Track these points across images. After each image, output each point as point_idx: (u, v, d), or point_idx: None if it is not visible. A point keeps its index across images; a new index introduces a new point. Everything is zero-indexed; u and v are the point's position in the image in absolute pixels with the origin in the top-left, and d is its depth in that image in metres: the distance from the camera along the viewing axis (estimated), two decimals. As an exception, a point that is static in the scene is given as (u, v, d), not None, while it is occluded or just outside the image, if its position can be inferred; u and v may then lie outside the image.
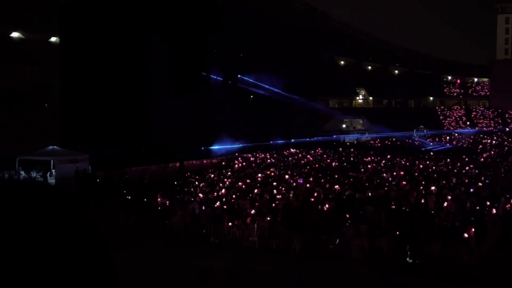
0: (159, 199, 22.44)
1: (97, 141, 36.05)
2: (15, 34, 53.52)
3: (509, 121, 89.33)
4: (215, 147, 48.03)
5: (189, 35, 45.54)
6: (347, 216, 19.11)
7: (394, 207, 21.03)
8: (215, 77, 53.07)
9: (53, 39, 52.00)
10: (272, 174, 33.05)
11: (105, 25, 41.34)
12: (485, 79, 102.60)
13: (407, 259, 15.52)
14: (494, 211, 20.18)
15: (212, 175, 32.52)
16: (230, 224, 19.02)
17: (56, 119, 42.68)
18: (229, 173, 33.98)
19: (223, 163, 40.07)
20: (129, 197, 23.62)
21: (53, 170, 30.23)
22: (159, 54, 42.58)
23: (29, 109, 44.74)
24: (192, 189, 26.27)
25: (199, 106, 47.41)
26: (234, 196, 23.86)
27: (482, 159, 43.36)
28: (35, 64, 47.28)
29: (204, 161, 41.62)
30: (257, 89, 61.07)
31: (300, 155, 48.42)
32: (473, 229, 17.08)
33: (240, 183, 28.41)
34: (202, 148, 46.02)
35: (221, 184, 28.09)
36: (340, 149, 54.07)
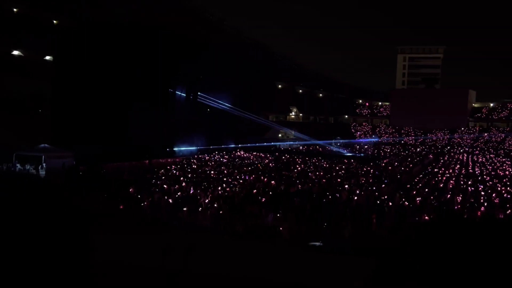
0: (131, 190, 21.92)
1: (81, 141, 35.33)
2: (16, 52, 52.40)
3: (404, 135, 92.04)
4: (177, 149, 47.58)
5: (162, 63, 45.36)
6: (280, 205, 19.19)
7: (316, 199, 21.27)
8: (180, 93, 52.81)
9: (47, 57, 51.42)
10: (224, 171, 32.94)
11: (92, 49, 40.73)
12: (387, 103, 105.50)
13: (320, 242, 15.66)
14: (390, 203, 20.69)
15: (175, 171, 32.12)
16: (188, 210, 18.84)
17: (47, 122, 42.34)
18: (189, 169, 33.65)
19: (184, 161, 39.70)
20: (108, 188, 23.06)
21: (44, 164, 29.71)
22: (138, 76, 42.24)
23: (25, 113, 44.39)
24: (158, 182, 25.83)
25: (166, 115, 47.00)
26: (192, 188, 23.57)
27: (383, 164, 44.47)
28: (31, 77, 47.21)
29: (169, 160, 41.10)
30: (213, 104, 60.97)
31: (246, 156, 48.58)
32: (374, 217, 17.56)
33: (197, 178, 28.24)
34: (167, 149, 45.46)
35: (182, 178, 27.77)
36: (276, 153, 54.46)
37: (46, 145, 31.70)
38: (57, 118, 42.04)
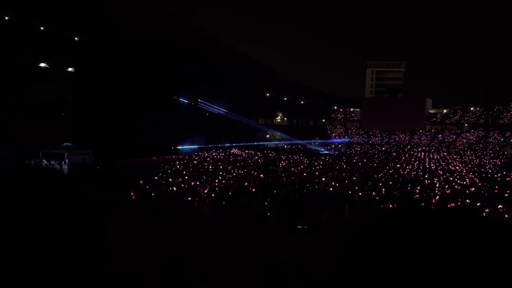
0: (141, 182, 21.75)
1: (98, 141, 34.95)
2: (42, 64, 51.75)
3: (372, 136, 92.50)
4: (181, 147, 47.37)
5: (168, 74, 45.27)
6: (268, 195, 19.18)
7: (298, 190, 21.28)
8: (183, 100, 52.67)
9: (69, 69, 50.96)
10: (220, 166, 32.82)
11: (108, 62, 40.40)
12: (357, 109, 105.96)
13: (303, 225, 15.69)
14: (360, 194, 20.77)
15: (178, 166, 31.94)
16: (190, 199, 18.73)
17: (70, 124, 41.89)
18: (190, 165, 33.49)
19: (186, 158, 39.53)
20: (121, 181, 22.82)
21: (66, 160, 29.32)
22: (147, 85, 42.04)
23: (51, 117, 43.86)
24: (164, 175, 25.67)
25: (171, 119, 46.86)
26: (193, 180, 23.47)
27: (354, 160, 44.64)
28: (56, 85, 46.64)
29: (173, 157, 40.87)
30: (211, 109, 60.92)
31: (239, 154, 48.48)
32: (347, 205, 17.60)
33: (197, 172, 28.11)
34: (172, 147, 45.23)
35: (184, 172, 27.63)
36: (265, 151, 54.46)
37: (68, 143, 31.31)
38: (77, 121, 41.62)
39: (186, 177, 24.81)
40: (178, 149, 46.32)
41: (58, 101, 47.11)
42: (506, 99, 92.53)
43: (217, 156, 43.51)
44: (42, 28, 52.02)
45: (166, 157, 39.44)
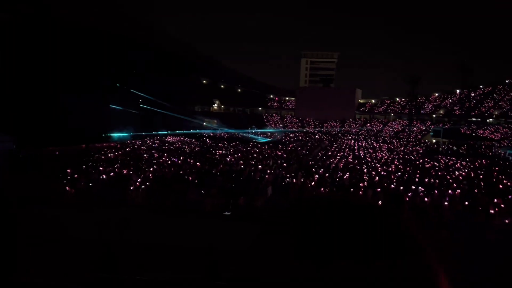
0: (68, 171, 20.61)
1: (21, 127, 32.20)
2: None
3: (306, 124, 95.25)
4: (112, 134, 45.42)
5: (97, 57, 43.01)
6: (205, 183, 19.09)
7: (235, 177, 21.42)
8: (115, 85, 50.45)
9: None
10: (155, 154, 32.01)
11: (32, 42, 37.35)
12: (293, 98, 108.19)
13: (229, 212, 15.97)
14: (294, 180, 21.37)
15: (110, 154, 30.66)
16: (122, 188, 18.11)
17: None
18: (122, 152, 32.30)
19: (118, 146, 38.08)
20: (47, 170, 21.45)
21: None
22: (75, 68, 39.53)
23: None
24: (94, 164, 24.52)
25: (102, 104, 44.74)
26: (125, 169, 22.68)
27: (289, 148, 45.68)
28: None
29: (104, 144, 39.11)
30: (146, 95, 59.02)
31: (175, 141, 47.60)
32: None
33: (130, 160, 27.18)
34: (103, 135, 43.19)
35: (116, 160, 26.61)
36: (201, 139, 53.97)
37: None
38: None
39: (118, 165, 23.89)
40: (109, 136, 44.36)
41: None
42: (428, 91, 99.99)
43: (151, 144, 42.37)
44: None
45: (97, 144, 37.64)
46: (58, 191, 17.74)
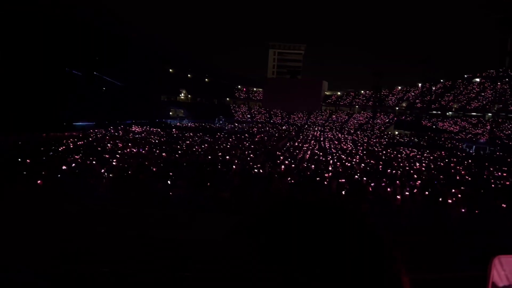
0: (28, 161, 19.81)
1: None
2: None
3: (273, 115, 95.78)
4: (75, 123, 43.93)
5: (59, 44, 41.46)
6: (171, 174, 18.87)
7: (202, 168, 21.30)
8: (77, 72, 48.70)
9: None
10: (119, 144, 31.29)
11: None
12: (260, 89, 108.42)
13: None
14: (261, 170, 21.51)
15: (72, 144, 29.69)
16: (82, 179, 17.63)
17: None
18: (85, 142, 31.37)
19: (81, 135, 36.93)
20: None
21: None
22: (35, 56, 37.84)
23: None
24: (55, 154, 23.69)
25: (63, 92, 43.07)
26: (88, 159, 22.06)
27: (257, 139, 45.87)
28: None
29: (66, 133, 37.80)
30: (110, 84, 57.44)
31: (140, 131, 46.65)
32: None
33: (93, 150, 26.43)
34: (64, 123, 41.69)
35: (78, 150, 25.82)
36: (168, 129, 53.21)
37: None
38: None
39: (81, 155, 23.18)
40: (71, 125, 42.89)
41: None
42: (391, 84, 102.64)
43: (115, 134, 41.37)
44: None
45: (58, 133, 36.35)
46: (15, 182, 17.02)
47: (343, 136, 62.08)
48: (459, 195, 17.17)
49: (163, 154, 26.15)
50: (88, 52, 49.80)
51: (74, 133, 38.50)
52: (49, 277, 7.75)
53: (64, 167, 19.21)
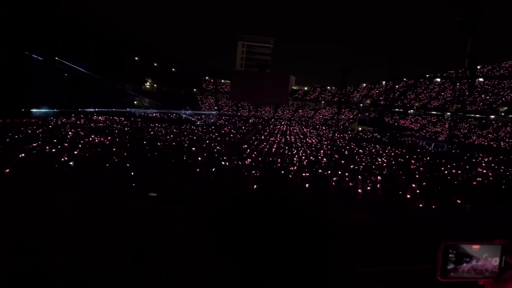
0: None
1: None
2: None
3: (240, 108, 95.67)
4: (34, 110, 42.12)
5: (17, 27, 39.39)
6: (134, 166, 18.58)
7: (166, 159, 21.09)
8: (37, 56, 46.64)
9: None
10: (81, 133, 30.38)
11: None
12: (228, 81, 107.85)
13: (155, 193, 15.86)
14: (227, 163, 21.52)
15: (30, 131, 28.55)
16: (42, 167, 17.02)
17: None
18: (45, 129, 30.25)
19: (40, 122, 35.56)
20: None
21: None
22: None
23: None
24: (12, 141, 22.72)
25: (21, 77, 41.17)
26: (48, 147, 21.32)
27: (223, 131, 45.77)
28: None
29: (24, 120, 36.26)
30: (72, 69, 55.34)
31: (103, 120, 45.42)
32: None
33: (54, 138, 25.55)
34: (23, 109, 39.92)
35: (40, 136, 24.90)
36: (132, 118, 52.12)
37: None
38: None
39: (40, 143, 22.36)
40: (30, 111, 41.13)
41: None
42: (357, 81, 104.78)
43: (77, 122, 40.10)
44: None
45: (16, 120, 34.84)
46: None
47: (308, 130, 62.93)
48: (418, 191, 17.89)
49: (127, 144, 25.63)
50: (49, 35, 47.85)
51: (33, 120, 37.03)
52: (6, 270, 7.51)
53: (21, 155, 18.48)
